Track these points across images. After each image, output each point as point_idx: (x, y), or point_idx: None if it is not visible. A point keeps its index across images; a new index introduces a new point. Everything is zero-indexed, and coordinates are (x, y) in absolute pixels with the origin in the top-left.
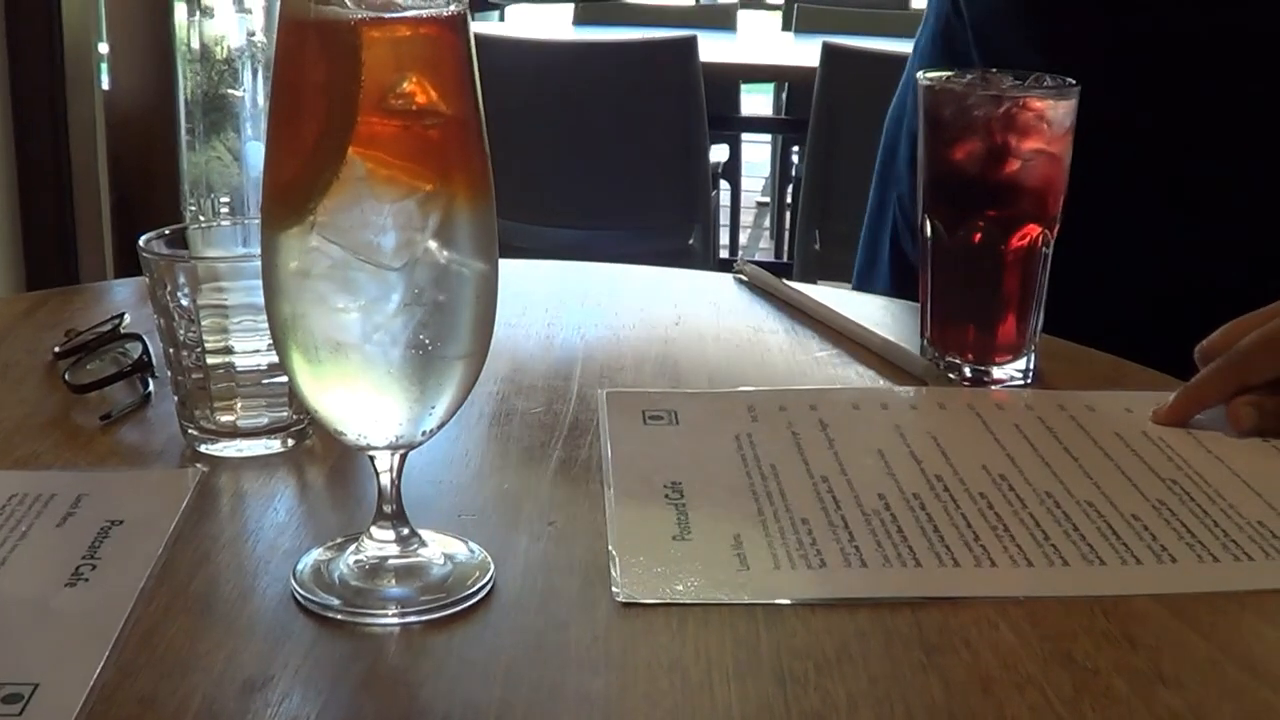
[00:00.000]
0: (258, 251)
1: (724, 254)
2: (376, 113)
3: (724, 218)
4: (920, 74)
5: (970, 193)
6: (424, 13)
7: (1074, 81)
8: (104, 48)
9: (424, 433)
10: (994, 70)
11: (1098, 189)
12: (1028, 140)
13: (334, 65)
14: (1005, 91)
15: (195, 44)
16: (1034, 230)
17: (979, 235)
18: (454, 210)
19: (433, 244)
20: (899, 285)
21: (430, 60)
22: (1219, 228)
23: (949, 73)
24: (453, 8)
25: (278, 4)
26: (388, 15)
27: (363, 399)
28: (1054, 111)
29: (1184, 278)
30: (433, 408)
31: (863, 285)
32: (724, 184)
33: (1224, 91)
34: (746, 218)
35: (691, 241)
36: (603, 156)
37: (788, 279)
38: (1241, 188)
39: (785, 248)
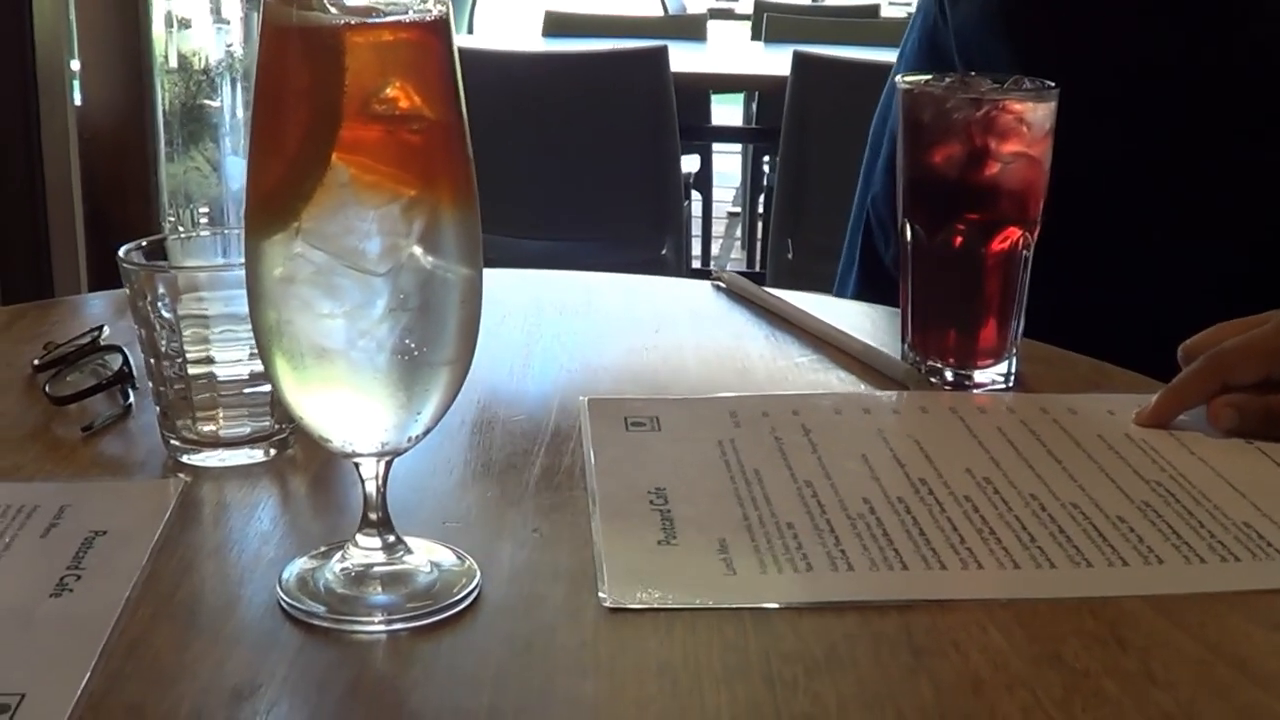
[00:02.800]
0: (238, 261)
1: (696, 264)
2: (360, 118)
3: (696, 228)
4: (899, 77)
5: (950, 196)
6: (406, 17)
7: (1053, 84)
8: (76, 64)
9: (410, 439)
10: (973, 73)
11: (1077, 194)
12: (1007, 143)
13: (317, 71)
14: (984, 94)
15: (173, 56)
16: (1014, 233)
17: (959, 239)
18: (438, 215)
19: (417, 249)
20: (870, 284)
21: (413, 65)
22: (1200, 232)
23: (928, 76)
24: (435, 12)
25: (255, 16)
26: (370, 20)
27: (348, 405)
28: (1033, 114)
29: (1166, 279)
30: (419, 413)
31: (843, 287)
32: (695, 194)
33: (1202, 110)
34: (718, 228)
35: (664, 252)
36: (574, 168)
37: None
38: (1221, 196)
39: (758, 257)
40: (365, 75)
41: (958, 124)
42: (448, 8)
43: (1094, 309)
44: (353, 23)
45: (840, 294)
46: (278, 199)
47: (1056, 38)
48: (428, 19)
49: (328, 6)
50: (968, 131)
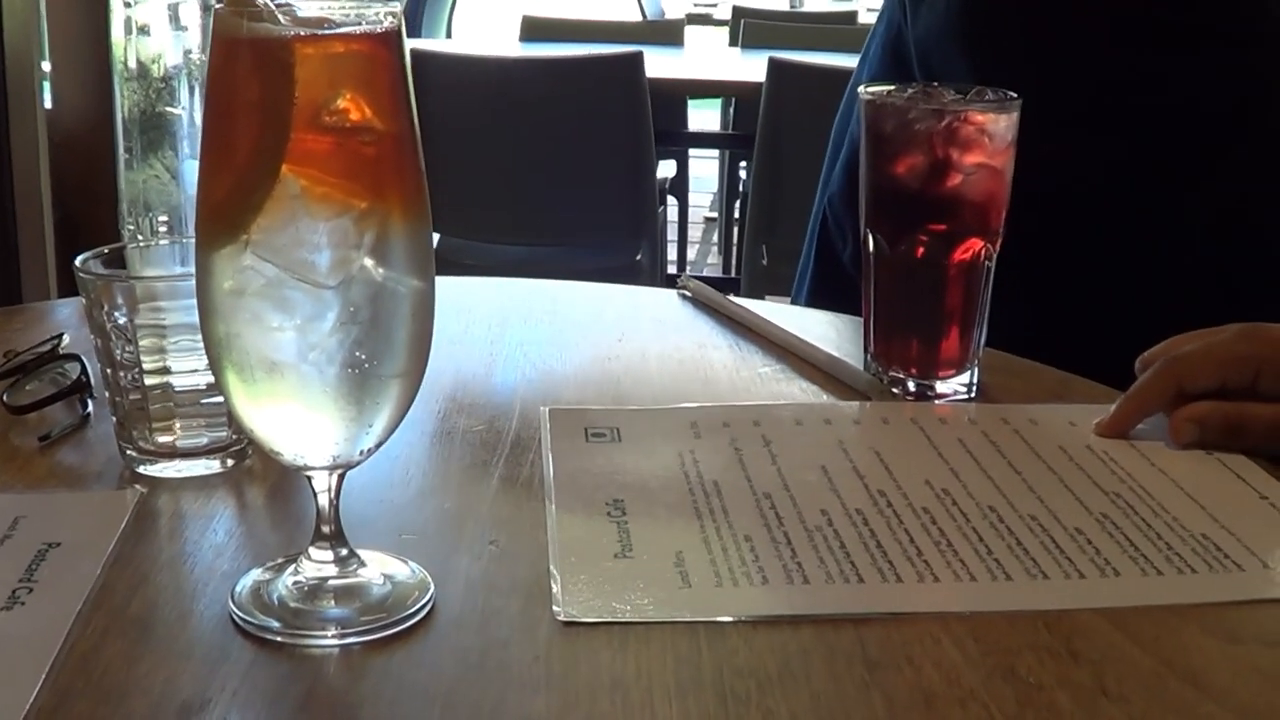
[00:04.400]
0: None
1: (672, 269)
2: (310, 130)
3: (672, 233)
4: (862, 88)
5: (912, 207)
6: (357, 29)
7: (1015, 95)
8: (47, 66)
9: (362, 452)
10: (935, 84)
11: (1036, 207)
12: (969, 154)
13: (267, 82)
14: (947, 105)
15: (133, 62)
16: (976, 244)
17: (921, 249)
18: (389, 227)
19: (368, 261)
20: (826, 282)
21: (364, 77)
22: (1160, 247)
23: (891, 86)
24: (386, 24)
25: (212, 15)
26: (321, 32)
27: (299, 419)
28: (995, 125)
29: (1128, 291)
30: (370, 427)
31: (801, 283)
32: (671, 199)
33: (1160, 130)
34: (694, 232)
35: (639, 257)
36: (550, 173)
37: (735, 293)
38: (1181, 212)
39: (733, 262)
40: (316, 87)
41: (920, 135)
42: (399, 20)
43: (1058, 320)
44: (303, 34)
45: (798, 291)
46: (227, 211)
47: (1014, 52)
48: (378, 30)
49: (278, 17)
50: (930, 142)
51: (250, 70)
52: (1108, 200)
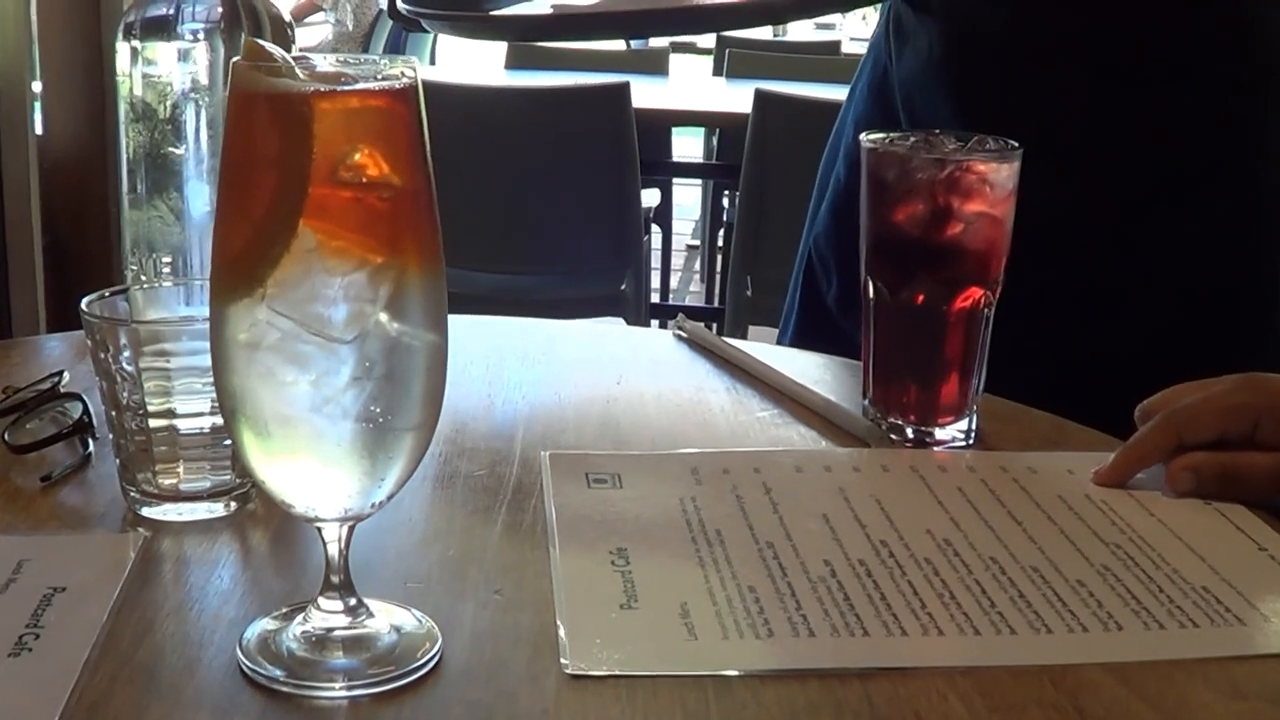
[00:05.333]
0: (201, 314)
1: (655, 298)
2: (327, 184)
3: (655, 261)
4: (863, 136)
5: (913, 254)
6: (375, 85)
7: (1016, 145)
8: (38, 87)
9: (374, 505)
10: (937, 132)
11: (1031, 253)
12: (970, 203)
13: (285, 137)
14: (948, 154)
15: (138, 96)
16: (976, 292)
17: (921, 296)
18: (405, 282)
19: (384, 316)
20: (810, 321)
21: (381, 132)
22: (1148, 288)
23: (892, 134)
24: (404, 80)
25: (220, 60)
26: (339, 88)
27: (312, 472)
28: (996, 174)
29: (1111, 328)
30: (383, 480)
31: (787, 323)
32: (655, 228)
33: (1142, 171)
34: (677, 260)
35: (623, 286)
36: (535, 201)
37: (719, 324)
38: (1165, 251)
39: (716, 292)
40: (333, 142)
41: (921, 183)
42: (416, 76)
43: (1050, 359)
44: (321, 90)
45: (784, 330)
46: (244, 264)
47: (996, 95)
48: (396, 87)
49: (297, 73)
50: (931, 191)
51: (268, 125)
52: (1089, 239)
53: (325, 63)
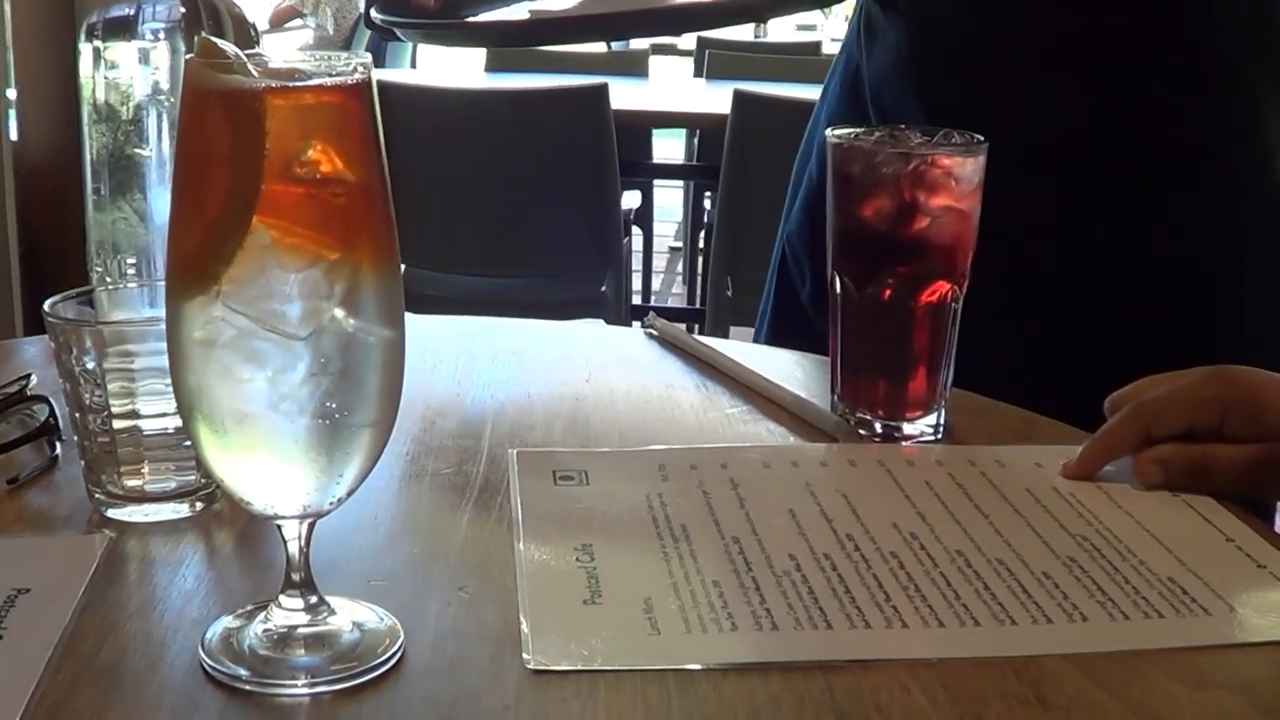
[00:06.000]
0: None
1: (637, 300)
2: (281, 181)
3: (636, 263)
4: (829, 131)
5: (879, 249)
6: (328, 81)
7: (982, 139)
8: (12, 93)
9: (332, 501)
10: (903, 127)
11: (1000, 248)
12: (936, 197)
13: (238, 133)
14: (914, 149)
15: (101, 100)
16: (943, 286)
17: (888, 291)
18: (360, 278)
19: (339, 312)
20: (785, 319)
21: (335, 128)
22: (1114, 285)
23: (857, 130)
24: (357, 75)
25: (182, 60)
26: (292, 84)
27: (269, 469)
28: (962, 168)
29: (1079, 326)
30: (340, 476)
31: (762, 320)
32: (636, 230)
33: (1107, 167)
34: (659, 262)
35: (604, 288)
36: (515, 204)
37: (700, 325)
38: (1133, 250)
39: (698, 293)
40: (286, 138)
41: (887, 178)
42: (369, 71)
43: (1020, 354)
44: (274, 85)
45: (759, 328)
46: (198, 262)
47: (961, 94)
48: (349, 82)
49: (249, 69)
50: (897, 186)
51: (221, 121)
52: (1054, 239)
53: (278, 58)
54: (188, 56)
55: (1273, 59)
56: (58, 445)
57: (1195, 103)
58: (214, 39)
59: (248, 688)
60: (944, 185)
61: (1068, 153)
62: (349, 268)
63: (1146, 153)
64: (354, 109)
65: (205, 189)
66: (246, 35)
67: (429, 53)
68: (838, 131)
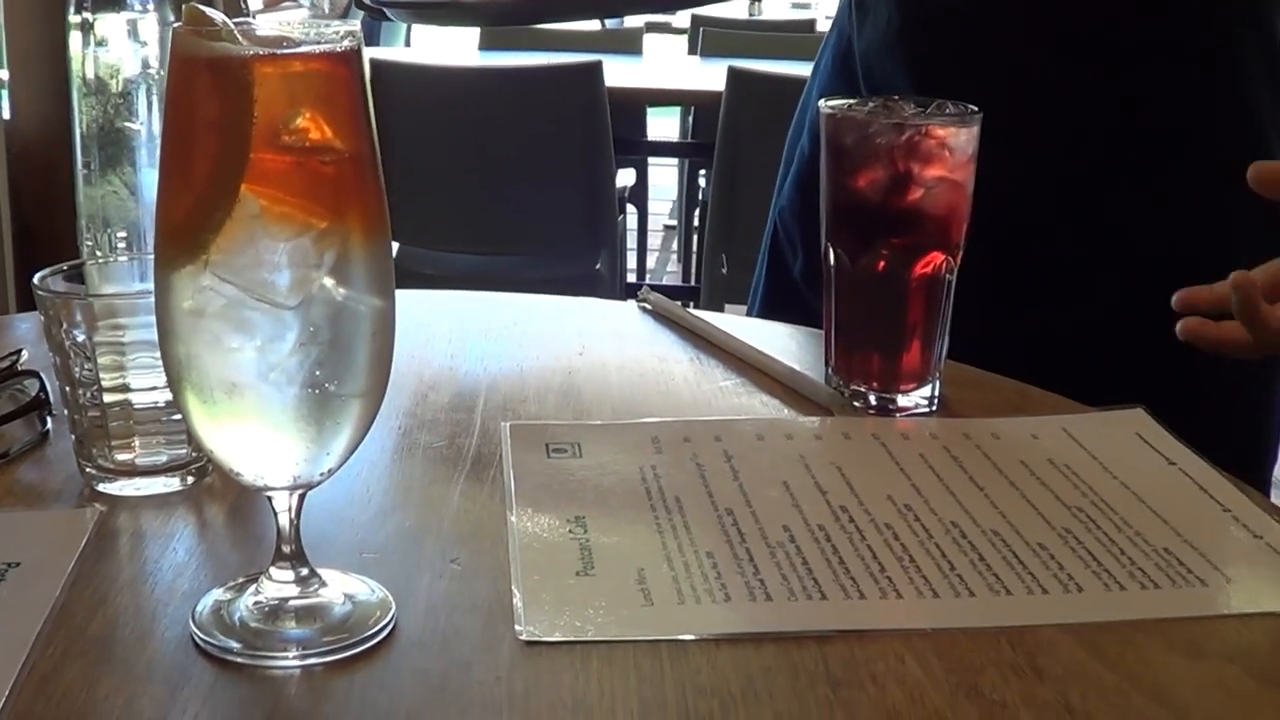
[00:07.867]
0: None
1: (631, 278)
2: (269, 149)
3: (631, 241)
4: (822, 102)
5: (873, 221)
6: (317, 48)
7: (976, 109)
8: (4, 74)
9: (322, 473)
10: (896, 97)
11: (994, 218)
12: (930, 168)
13: (226, 102)
14: (907, 119)
15: (91, 76)
16: (938, 258)
17: (883, 263)
18: (349, 247)
19: (328, 281)
20: (777, 294)
21: (324, 96)
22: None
23: (850, 100)
24: (346, 43)
25: (171, 29)
26: (280, 51)
27: (259, 439)
28: (956, 139)
29: (1075, 300)
30: (330, 447)
31: (754, 296)
32: (631, 208)
33: (1097, 143)
34: (654, 241)
35: (599, 266)
36: (509, 182)
37: (695, 302)
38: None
39: (693, 271)
40: (275, 106)
41: (881, 149)
42: (358, 39)
43: (1014, 328)
44: (262, 53)
45: (752, 303)
46: (187, 231)
47: (953, 68)
48: (338, 50)
49: (237, 37)
50: (891, 156)
51: (209, 89)
52: (1049, 213)
53: (266, 26)
54: (174, 25)
55: (1265, 39)
56: (49, 420)
57: (1185, 76)
58: (202, 7)
59: (239, 660)
60: (938, 156)
61: (1057, 126)
62: (338, 237)
63: (1135, 127)
64: (343, 77)
65: (193, 158)
66: (236, 5)
67: (423, 32)
68: (831, 103)
